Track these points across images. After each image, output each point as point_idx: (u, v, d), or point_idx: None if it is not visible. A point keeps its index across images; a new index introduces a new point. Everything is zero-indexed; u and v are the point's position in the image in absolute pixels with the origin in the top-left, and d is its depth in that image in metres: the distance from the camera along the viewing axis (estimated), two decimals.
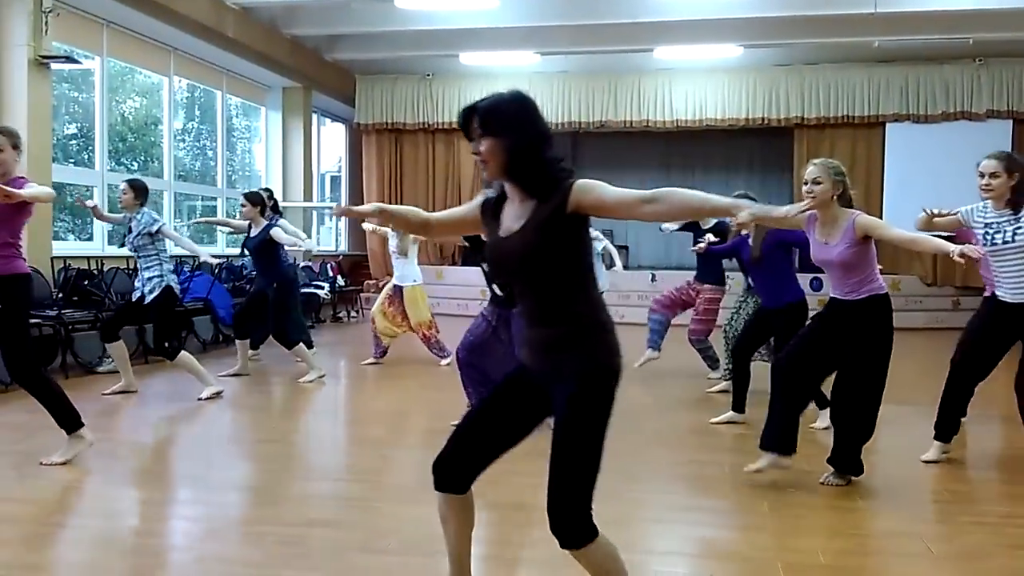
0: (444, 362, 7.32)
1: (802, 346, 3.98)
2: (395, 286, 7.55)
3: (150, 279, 5.82)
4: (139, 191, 5.92)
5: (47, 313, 6.84)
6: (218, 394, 5.88)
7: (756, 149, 14.02)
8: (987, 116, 11.79)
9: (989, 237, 4.12)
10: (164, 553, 3.24)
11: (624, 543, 3.00)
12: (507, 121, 2.25)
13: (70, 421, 4.20)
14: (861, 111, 12.13)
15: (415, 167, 13.53)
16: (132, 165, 10.16)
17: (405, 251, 7.52)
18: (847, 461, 3.95)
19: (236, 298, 9.09)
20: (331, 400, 6.61)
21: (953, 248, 3.60)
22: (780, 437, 3.94)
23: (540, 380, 2.28)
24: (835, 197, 3.84)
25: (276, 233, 6.71)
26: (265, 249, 6.76)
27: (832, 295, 3.96)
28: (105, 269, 7.98)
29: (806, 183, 3.83)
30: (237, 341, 7.08)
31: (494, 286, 4.89)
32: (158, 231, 5.85)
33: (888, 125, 12.11)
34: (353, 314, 12.18)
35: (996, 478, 4.34)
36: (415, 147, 13.51)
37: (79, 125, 9.28)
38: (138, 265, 5.93)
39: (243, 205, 6.88)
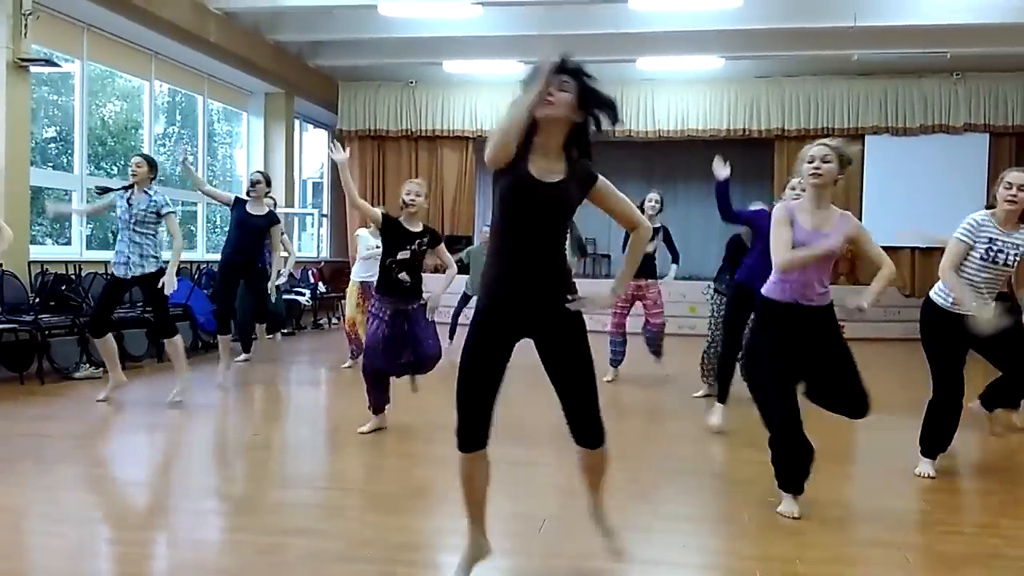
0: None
1: (782, 375, 3.72)
2: (363, 282, 7.60)
3: (146, 256, 5.76)
4: (153, 166, 5.93)
5: (23, 318, 6.77)
6: (180, 403, 5.81)
7: (737, 160, 13.89)
8: (964, 129, 11.96)
9: (992, 255, 4.07)
10: (140, 562, 3.20)
11: (606, 552, 3.01)
12: (597, 102, 2.63)
13: None
14: (841, 123, 12.26)
15: (398, 174, 13.49)
16: (112, 169, 10.07)
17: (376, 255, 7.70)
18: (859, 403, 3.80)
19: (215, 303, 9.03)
20: (311, 407, 6.57)
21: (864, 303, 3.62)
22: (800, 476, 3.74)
23: (524, 319, 2.67)
24: (836, 183, 3.66)
25: (276, 233, 7.05)
26: (265, 231, 7.00)
27: (788, 300, 3.70)
28: (83, 274, 7.91)
29: (812, 160, 3.60)
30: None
31: (402, 274, 4.90)
32: (167, 215, 5.82)
33: (867, 137, 12.24)
34: (334, 320, 12.13)
35: (973, 488, 4.39)
36: (398, 154, 13.50)
37: (58, 129, 9.19)
38: (129, 240, 5.74)
39: (258, 182, 7.08)
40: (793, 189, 4.77)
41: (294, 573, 2.98)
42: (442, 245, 5.16)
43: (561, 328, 2.69)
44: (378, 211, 5.01)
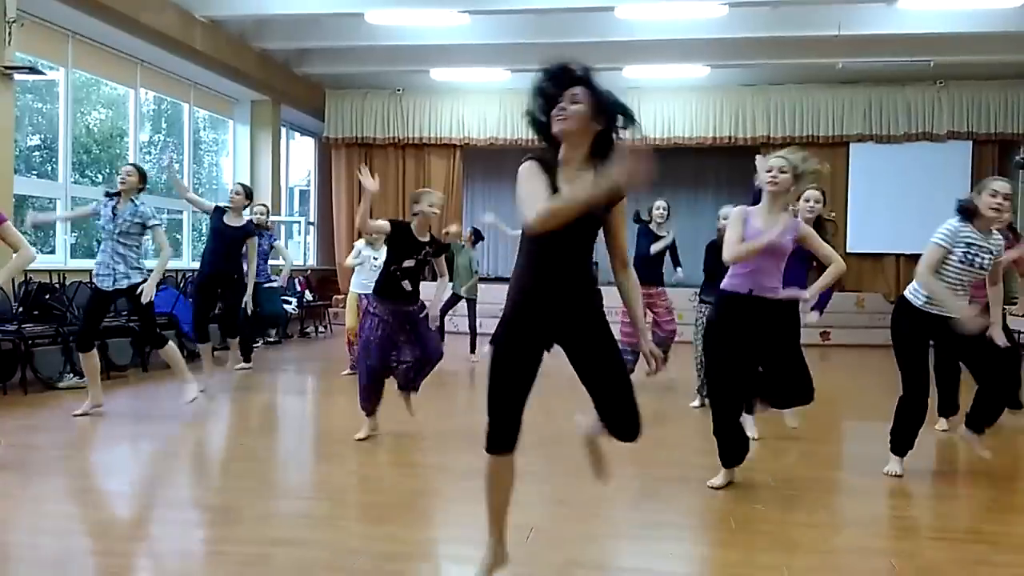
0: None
1: (730, 360, 4.07)
2: (361, 295, 7.60)
3: (131, 267, 5.70)
4: (143, 176, 5.90)
5: (7, 327, 6.71)
6: (202, 391, 5.88)
7: (723, 167, 14.17)
8: (947, 137, 12.06)
9: (970, 258, 4.17)
10: (124, 574, 3.17)
11: (595, 560, 3.02)
12: (611, 107, 2.64)
13: None
14: (825, 131, 12.35)
15: (385, 182, 13.45)
16: (97, 177, 10.02)
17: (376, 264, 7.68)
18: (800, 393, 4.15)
19: None
20: (297, 416, 6.54)
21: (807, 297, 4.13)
22: (737, 452, 4.16)
23: (553, 327, 2.72)
24: (789, 191, 4.04)
25: (252, 245, 7.10)
26: (242, 242, 7.03)
27: (743, 292, 4.02)
28: (67, 283, 7.85)
29: (771, 170, 3.97)
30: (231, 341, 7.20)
31: (404, 282, 4.95)
32: (154, 226, 5.77)
33: (852, 145, 12.35)
34: (321, 329, 12.08)
35: (957, 494, 4.40)
36: (385, 162, 13.48)
37: (43, 136, 9.14)
38: (112, 251, 5.67)
39: (237, 193, 7.16)
40: (808, 201, 4.88)
41: None
42: (443, 257, 5.22)
43: (589, 331, 2.74)
44: (384, 222, 5.05)
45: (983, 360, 4.34)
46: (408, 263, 4.96)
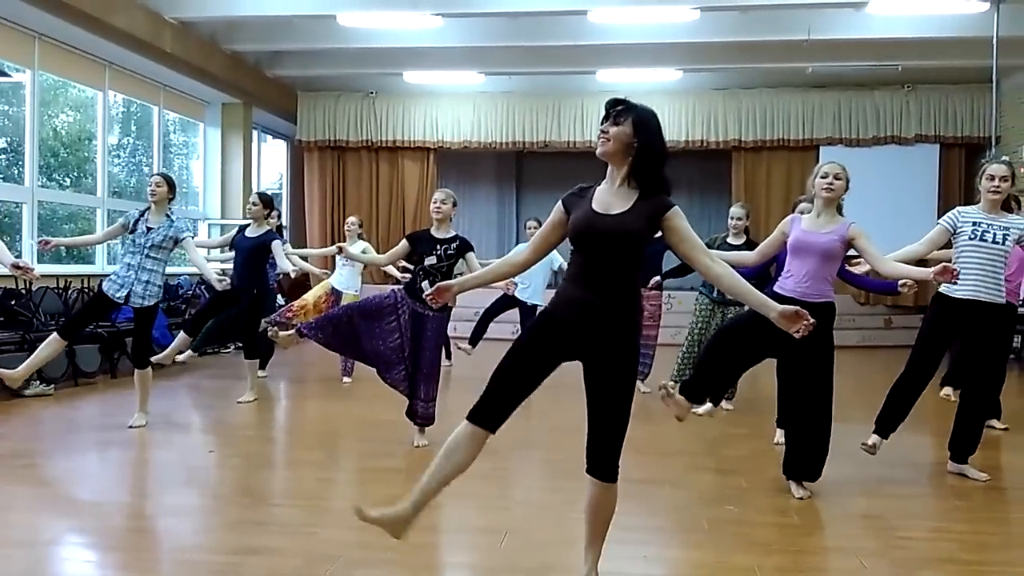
0: (346, 380, 7.57)
1: (749, 325, 3.99)
2: (335, 289, 7.58)
3: (152, 284, 5.53)
4: (172, 186, 5.69)
5: None
6: (143, 425, 5.65)
7: (695, 171, 14.24)
8: (915, 140, 12.22)
9: (979, 234, 4.35)
10: None
11: (569, 564, 3.01)
12: (650, 127, 2.81)
13: None
14: (796, 135, 12.47)
15: (358, 185, 13.42)
16: (64, 181, 9.88)
17: (354, 263, 7.66)
18: (808, 468, 4.14)
19: (171, 318, 8.88)
20: (268, 422, 6.48)
21: (930, 271, 3.87)
22: (701, 389, 4.15)
23: (577, 339, 2.70)
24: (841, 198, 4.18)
25: (277, 249, 6.64)
26: (261, 253, 6.64)
27: (785, 293, 4.02)
28: (33, 288, 7.71)
29: (826, 176, 4.11)
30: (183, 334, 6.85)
31: (424, 283, 4.95)
32: (184, 239, 5.60)
33: (822, 148, 12.45)
34: None
35: (927, 493, 4.46)
36: (358, 165, 13.41)
37: (8, 139, 8.99)
38: (139, 266, 5.49)
39: (255, 204, 6.75)
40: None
41: None
42: (472, 253, 5.19)
43: (612, 360, 2.71)
44: (402, 244, 5.17)
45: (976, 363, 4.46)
46: (429, 260, 5.01)
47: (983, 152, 10.97)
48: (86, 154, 10.06)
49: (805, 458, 4.14)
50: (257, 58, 11.58)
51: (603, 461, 2.73)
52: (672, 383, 6.27)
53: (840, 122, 12.39)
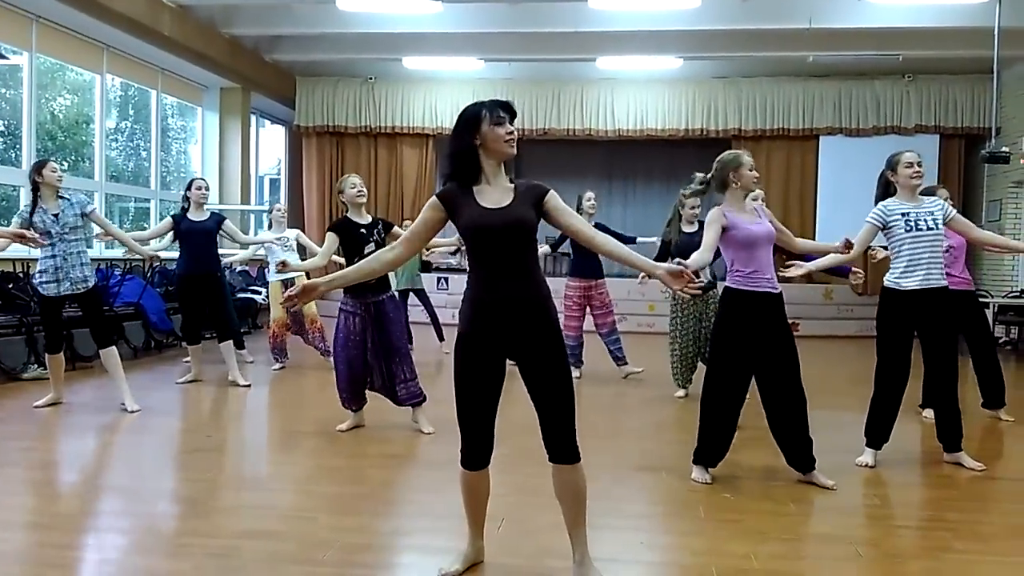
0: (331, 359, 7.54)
1: (742, 354, 4.07)
2: (283, 282, 7.59)
3: (85, 264, 5.56)
4: (39, 170, 5.56)
5: None
6: (138, 410, 5.67)
7: (696, 159, 14.13)
8: (915, 131, 12.19)
9: (912, 224, 4.40)
10: (87, 567, 3.13)
11: (566, 550, 3.01)
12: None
13: None
14: (796, 124, 12.44)
15: (356, 171, 13.29)
16: (62, 165, 9.80)
17: (292, 247, 7.91)
18: (803, 458, 4.17)
19: (168, 302, 8.87)
20: (264, 407, 6.48)
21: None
22: (715, 452, 4.20)
23: (501, 336, 2.75)
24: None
25: (231, 230, 6.82)
26: (211, 236, 6.73)
27: (758, 289, 4.04)
28: (31, 272, 7.70)
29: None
30: (190, 347, 6.92)
31: None
32: (91, 211, 5.61)
33: (822, 138, 12.45)
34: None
35: (921, 482, 4.47)
36: (356, 150, 13.38)
37: (6, 123, 8.95)
38: (64, 254, 5.47)
39: (198, 188, 6.78)
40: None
41: None
42: (396, 228, 5.18)
43: (538, 347, 2.75)
44: (330, 237, 5.05)
45: (939, 351, 4.48)
46: (369, 248, 4.95)
47: (983, 143, 10.95)
48: (84, 138, 10.03)
49: (799, 450, 4.16)
50: (256, 42, 11.53)
51: (563, 445, 2.77)
52: (683, 392, 6.33)
53: (840, 111, 12.36)
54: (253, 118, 12.83)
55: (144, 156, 11.19)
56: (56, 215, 5.46)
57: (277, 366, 7.72)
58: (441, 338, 8.87)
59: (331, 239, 5.02)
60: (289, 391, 7.05)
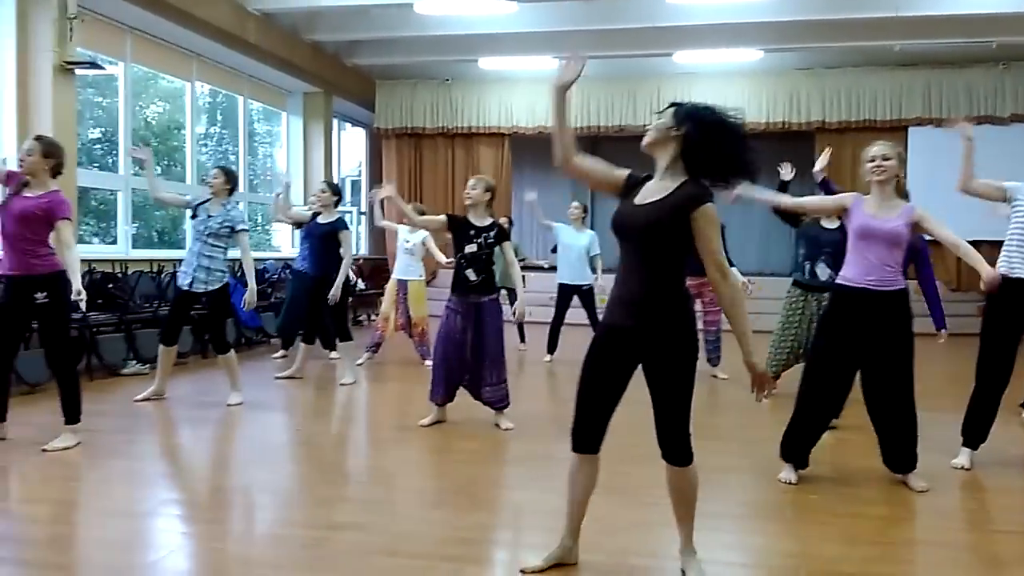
0: (428, 363, 7.50)
1: (834, 347, 3.97)
2: (399, 280, 7.72)
3: (213, 271, 5.80)
4: (230, 177, 5.97)
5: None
6: (241, 403, 5.88)
7: (777, 153, 13.77)
8: (1011, 120, 11.66)
9: None
10: (188, 552, 3.26)
11: (649, 549, 3.01)
12: (692, 115, 2.78)
13: (75, 414, 4.63)
14: (883, 115, 12.04)
15: (434, 171, 13.57)
16: (155, 169, 10.23)
17: (414, 251, 7.82)
18: (903, 459, 4.03)
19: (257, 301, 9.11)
20: (354, 403, 6.63)
21: (986, 273, 3.94)
22: (804, 449, 4.11)
23: (632, 335, 2.72)
24: (897, 177, 3.97)
25: (345, 239, 6.86)
26: (331, 239, 6.85)
27: (856, 285, 3.90)
28: (129, 272, 8.06)
29: (872, 160, 3.94)
30: (303, 345, 7.12)
31: (469, 271, 5.02)
32: (240, 232, 5.86)
33: (910, 129, 12.01)
34: (373, 317, 12.21)
35: (1022, 487, 4.29)
36: (434, 151, 13.55)
37: (103, 130, 9.38)
38: (199, 252, 5.80)
39: (322, 191, 6.99)
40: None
41: (338, 567, 3.01)
42: (508, 243, 5.21)
43: (666, 354, 2.73)
44: (441, 217, 5.22)
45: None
46: (470, 248, 5.02)
47: None
48: (175, 143, 10.43)
49: (899, 450, 4.03)
50: (336, 47, 11.79)
51: (674, 447, 2.78)
52: (771, 374, 6.17)
53: (930, 102, 11.91)
54: (335, 121, 13.12)
55: (232, 160, 11.57)
56: (210, 216, 5.83)
57: (364, 357, 7.81)
58: (522, 339, 8.89)
59: (442, 219, 5.18)
60: (372, 387, 7.19)
